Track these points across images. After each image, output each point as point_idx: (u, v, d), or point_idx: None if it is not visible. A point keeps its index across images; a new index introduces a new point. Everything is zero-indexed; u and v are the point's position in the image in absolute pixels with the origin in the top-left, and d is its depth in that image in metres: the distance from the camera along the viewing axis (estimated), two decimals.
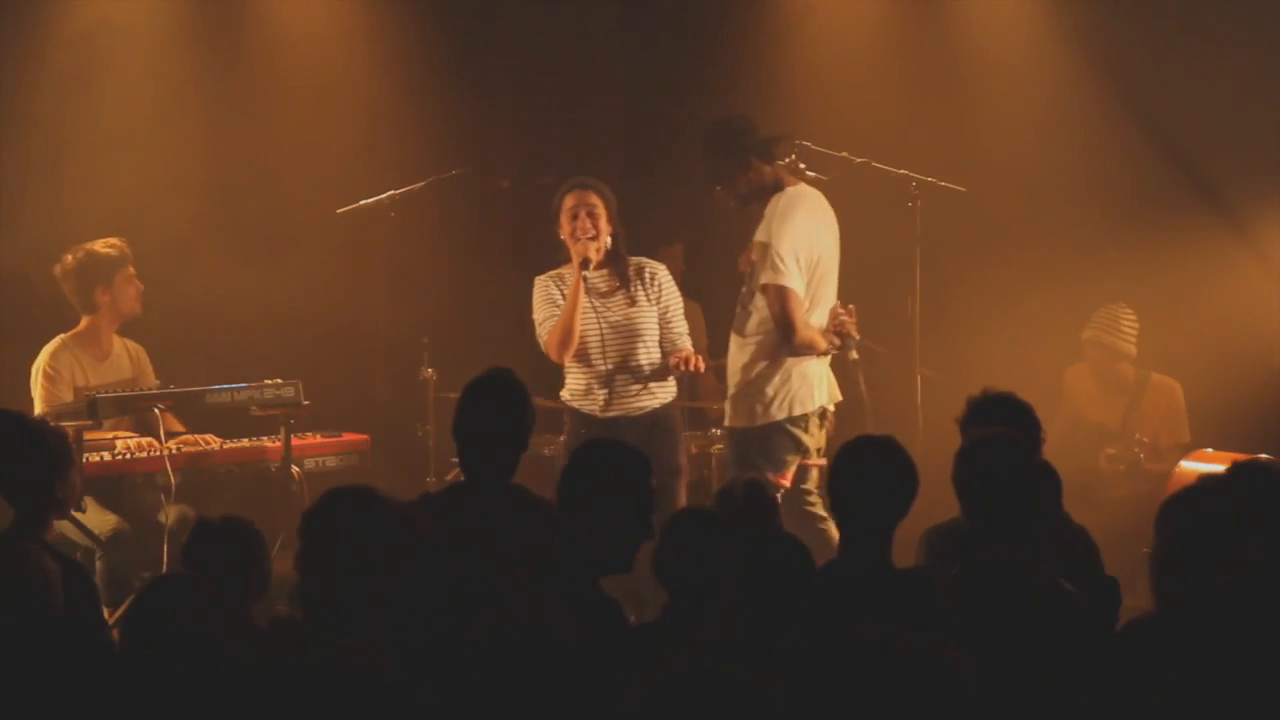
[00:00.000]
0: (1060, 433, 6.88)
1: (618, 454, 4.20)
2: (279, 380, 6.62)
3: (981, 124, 8.15)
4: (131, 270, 6.77)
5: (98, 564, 6.30)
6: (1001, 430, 4.47)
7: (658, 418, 6.38)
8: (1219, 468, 6.74)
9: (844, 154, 7.19)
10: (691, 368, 6.30)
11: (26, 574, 3.83)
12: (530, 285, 6.61)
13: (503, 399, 4.80)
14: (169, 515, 6.25)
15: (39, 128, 7.56)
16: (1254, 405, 7.48)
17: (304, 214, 7.87)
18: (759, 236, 6.36)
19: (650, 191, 8.32)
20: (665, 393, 6.44)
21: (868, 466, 4.21)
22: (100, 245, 6.74)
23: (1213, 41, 7.76)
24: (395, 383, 7.68)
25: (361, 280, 7.72)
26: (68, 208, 7.45)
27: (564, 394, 6.49)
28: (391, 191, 7.38)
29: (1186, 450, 7.20)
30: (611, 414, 6.34)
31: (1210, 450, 7.13)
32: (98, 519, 6.30)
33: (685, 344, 6.45)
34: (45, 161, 7.53)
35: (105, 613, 6.07)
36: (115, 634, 5.74)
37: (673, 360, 6.32)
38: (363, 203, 7.39)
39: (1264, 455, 6.24)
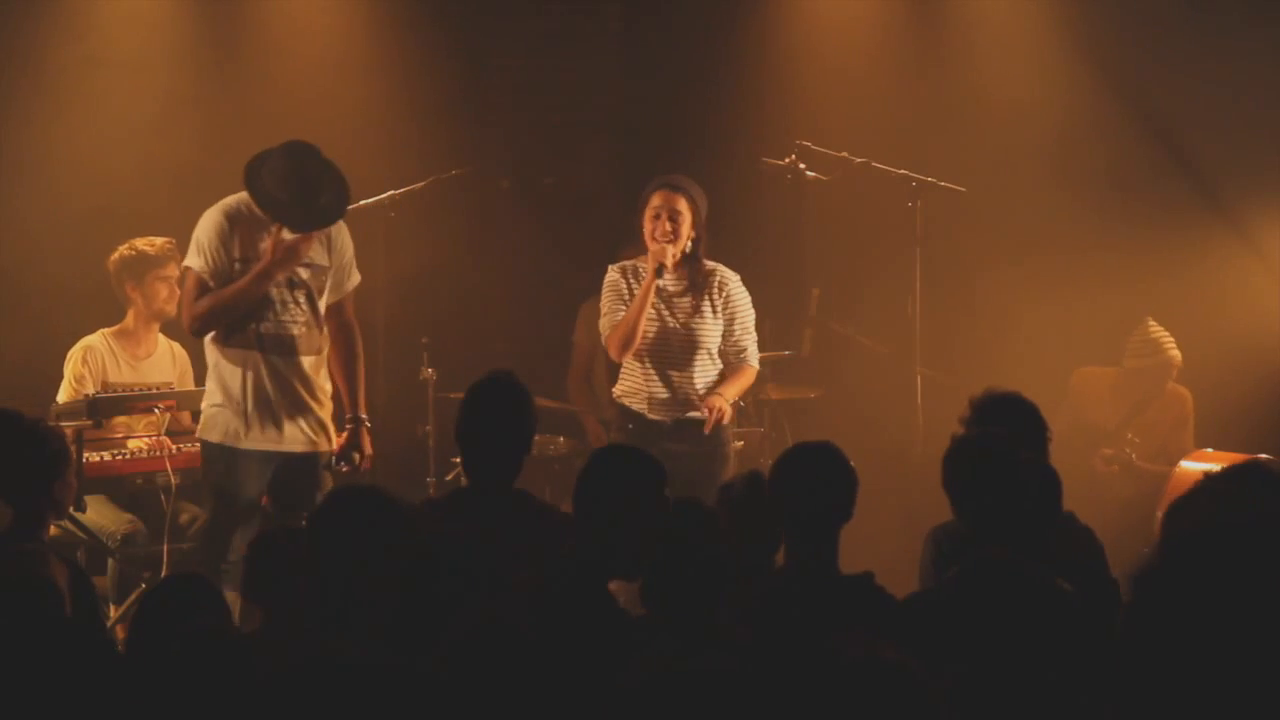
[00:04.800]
0: (1059, 433, 6.86)
1: (633, 461, 4.21)
2: None
3: (982, 124, 8.15)
4: (170, 271, 6.71)
5: (110, 563, 6.32)
6: (986, 430, 4.48)
7: (711, 430, 6.15)
8: (1219, 468, 6.78)
9: (844, 154, 7.21)
10: (715, 418, 6.10)
11: (30, 575, 3.84)
12: (531, 285, 6.60)
13: (504, 402, 4.78)
14: (181, 516, 6.27)
15: (37, 125, 7.55)
16: (1254, 405, 7.48)
17: None
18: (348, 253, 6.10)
19: None
20: None
21: (807, 472, 4.21)
22: (142, 242, 6.70)
23: (1214, 42, 7.76)
24: (395, 383, 7.67)
25: (362, 280, 7.70)
26: (65, 207, 7.44)
27: (616, 390, 6.32)
28: (391, 191, 7.37)
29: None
30: (659, 417, 6.17)
31: (1210, 450, 7.14)
32: (113, 518, 6.33)
33: (749, 358, 6.26)
34: (43, 160, 7.52)
35: (112, 610, 6.11)
36: (119, 632, 5.79)
37: (704, 406, 6.12)
38: (363, 203, 7.39)
39: (1264, 455, 6.26)
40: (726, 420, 6.17)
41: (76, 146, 7.55)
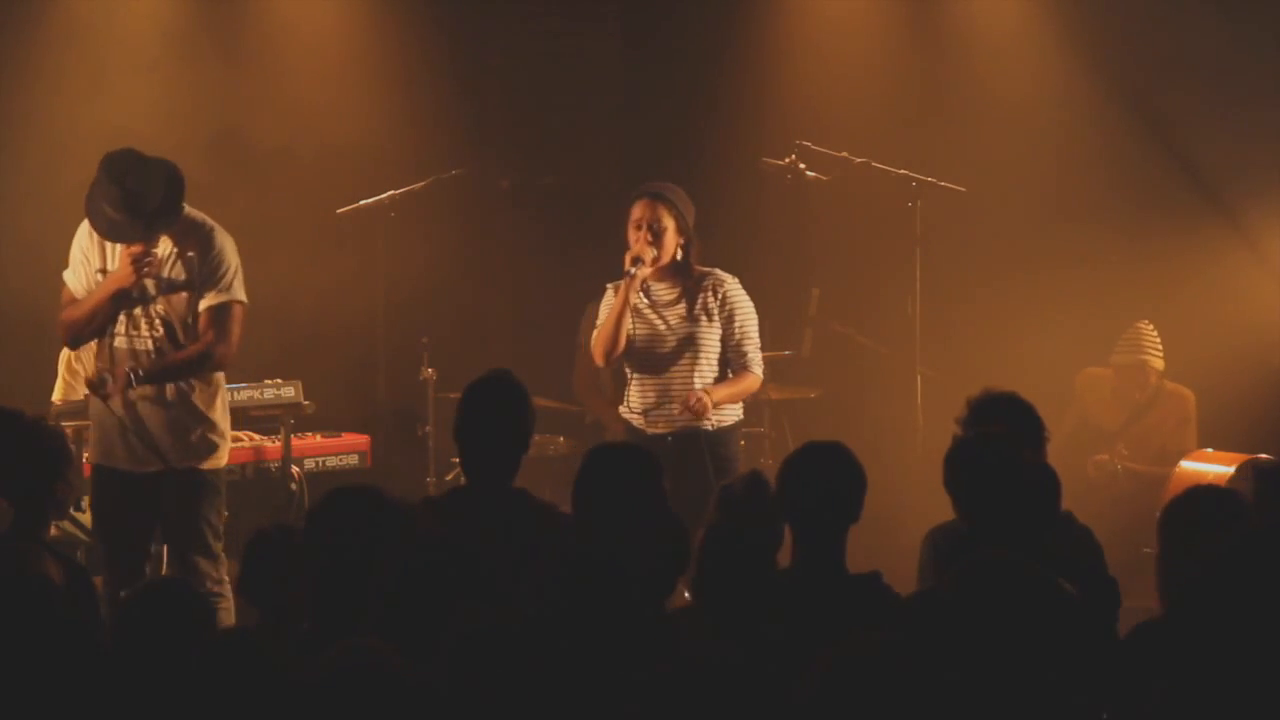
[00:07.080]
0: (1065, 435, 6.87)
1: (624, 458, 4.20)
2: (279, 380, 6.63)
3: (982, 125, 8.15)
4: None
5: None
6: (987, 430, 4.48)
7: (718, 439, 6.00)
8: (1219, 468, 6.80)
9: (844, 154, 7.22)
10: (691, 411, 5.93)
11: (28, 573, 3.84)
12: (531, 285, 6.60)
13: (503, 401, 4.77)
14: None
15: (37, 126, 7.55)
16: (1254, 405, 7.49)
17: (304, 214, 7.87)
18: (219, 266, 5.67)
19: None
20: (729, 413, 6.07)
21: (817, 472, 4.21)
22: None
23: (1214, 42, 7.76)
24: (395, 383, 7.67)
25: (361, 280, 7.71)
26: (65, 206, 7.44)
27: (622, 408, 6.16)
28: (391, 191, 7.38)
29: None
30: (661, 430, 6.00)
31: (1210, 450, 7.14)
32: None
33: (750, 364, 6.06)
34: (44, 161, 7.52)
35: None
36: None
37: (687, 399, 5.94)
38: (363, 203, 7.40)
39: (1264, 455, 6.27)
40: (708, 412, 5.94)
41: (75, 154, 7.52)
